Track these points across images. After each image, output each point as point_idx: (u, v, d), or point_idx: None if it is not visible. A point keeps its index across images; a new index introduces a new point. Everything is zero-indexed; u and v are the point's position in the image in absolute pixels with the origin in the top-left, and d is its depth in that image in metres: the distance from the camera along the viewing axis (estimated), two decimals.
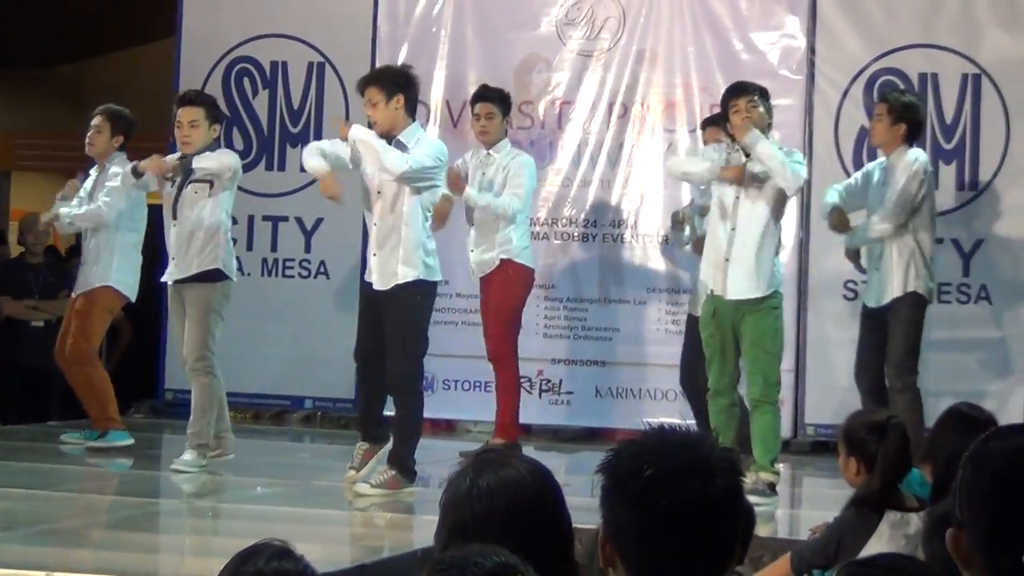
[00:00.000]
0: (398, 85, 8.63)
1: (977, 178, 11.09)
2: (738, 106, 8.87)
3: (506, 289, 10.16)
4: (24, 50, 15.03)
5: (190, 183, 9.22)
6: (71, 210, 9.92)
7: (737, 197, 8.86)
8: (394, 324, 8.56)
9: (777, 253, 9.01)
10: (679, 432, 2.69)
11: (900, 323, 9.44)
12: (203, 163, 9.19)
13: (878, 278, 9.45)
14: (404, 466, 8.55)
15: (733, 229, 8.85)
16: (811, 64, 11.32)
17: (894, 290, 9.37)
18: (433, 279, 8.72)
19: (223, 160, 9.29)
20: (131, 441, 9.94)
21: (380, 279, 8.60)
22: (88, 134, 10.11)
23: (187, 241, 9.21)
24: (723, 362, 8.83)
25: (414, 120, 8.69)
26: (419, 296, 8.64)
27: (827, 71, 11.31)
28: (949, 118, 11.14)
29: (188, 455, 9.08)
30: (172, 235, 9.28)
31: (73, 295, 10.15)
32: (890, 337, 9.45)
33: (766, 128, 8.85)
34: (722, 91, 11.24)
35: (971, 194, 11.09)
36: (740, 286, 8.80)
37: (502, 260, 10.12)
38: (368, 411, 8.88)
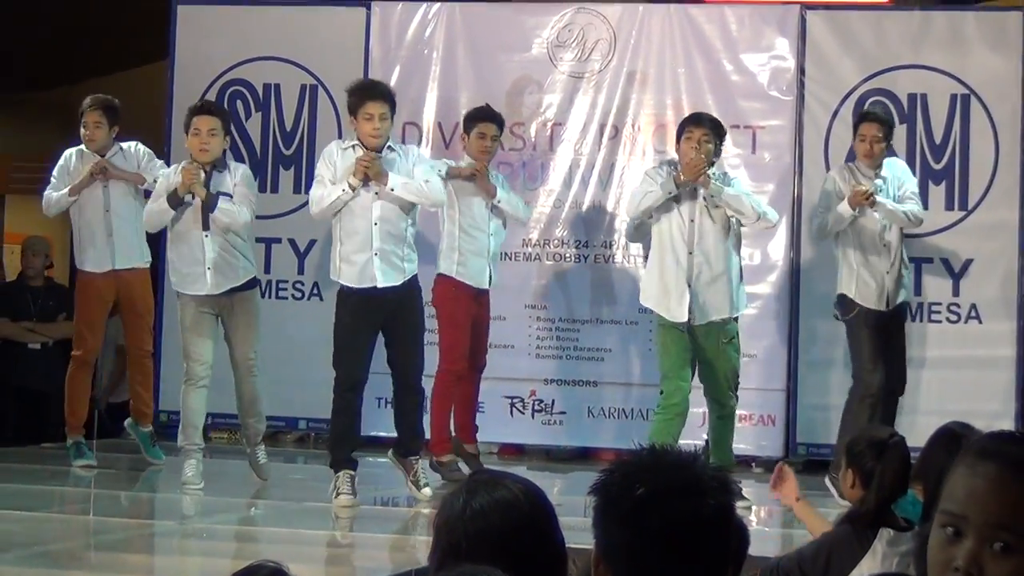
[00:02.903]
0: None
1: (966, 198, 11.12)
2: (692, 135, 9.07)
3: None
4: (17, 73, 15.04)
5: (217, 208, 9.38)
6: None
7: (692, 221, 9.03)
8: (411, 316, 8.89)
9: (741, 278, 9.35)
10: (671, 451, 2.69)
11: (903, 330, 10.14)
12: (223, 216, 9.37)
13: (892, 281, 9.80)
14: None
15: (691, 254, 9.01)
16: (801, 85, 11.34)
17: (903, 295, 10.05)
18: None
19: (240, 219, 9.43)
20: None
21: (388, 276, 8.74)
22: (87, 130, 10.19)
23: (226, 255, 9.40)
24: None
25: None
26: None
27: (817, 92, 11.34)
28: (938, 138, 11.17)
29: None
30: (207, 247, 9.36)
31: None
32: (897, 342, 10.04)
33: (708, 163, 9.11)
34: (713, 112, 11.38)
35: (961, 214, 11.12)
36: (709, 310, 9.13)
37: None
38: (357, 433, 8.99)
